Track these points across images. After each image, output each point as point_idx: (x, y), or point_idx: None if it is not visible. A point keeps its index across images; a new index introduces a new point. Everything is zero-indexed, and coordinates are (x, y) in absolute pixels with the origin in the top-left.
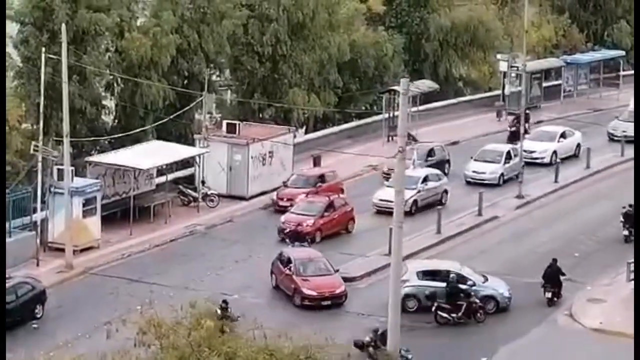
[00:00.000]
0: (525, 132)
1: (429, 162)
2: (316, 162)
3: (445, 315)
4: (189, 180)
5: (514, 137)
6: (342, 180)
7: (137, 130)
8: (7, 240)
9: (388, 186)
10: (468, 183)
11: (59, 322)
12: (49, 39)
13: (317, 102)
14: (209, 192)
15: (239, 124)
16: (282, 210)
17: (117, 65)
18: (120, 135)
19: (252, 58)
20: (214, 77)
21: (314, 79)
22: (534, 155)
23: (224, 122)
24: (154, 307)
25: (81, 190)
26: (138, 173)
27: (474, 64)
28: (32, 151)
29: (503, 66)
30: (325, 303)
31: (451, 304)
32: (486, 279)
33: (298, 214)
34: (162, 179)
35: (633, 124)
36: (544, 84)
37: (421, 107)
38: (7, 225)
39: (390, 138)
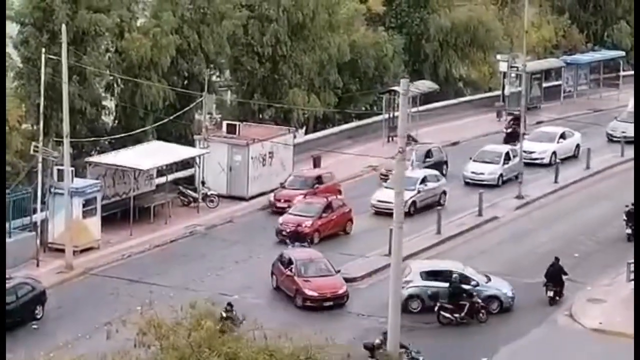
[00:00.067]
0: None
1: (426, 164)
2: (316, 162)
3: (448, 315)
4: (189, 180)
5: (510, 139)
6: (342, 180)
7: (137, 130)
8: (7, 240)
9: (386, 187)
10: (467, 184)
11: (59, 323)
12: (49, 39)
13: (317, 102)
14: (209, 193)
15: (239, 125)
16: (280, 212)
17: (117, 66)
18: (120, 135)
19: (252, 58)
20: (214, 78)
21: (314, 79)
22: (534, 155)
23: (224, 123)
24: (154, 308)
25: (81, 190)
26: (138, 173)
27: (474, 64)
28: (32, 152)
29: (503, 66)
30: (327, 304)
31: (454, 304)
32: (489, 279)
33: (296, 215)
34: (162, 179)
35: (632, 124)
36: (544, 85)
37: (421, 108)
38: (7, 225)
39: (390, 138)
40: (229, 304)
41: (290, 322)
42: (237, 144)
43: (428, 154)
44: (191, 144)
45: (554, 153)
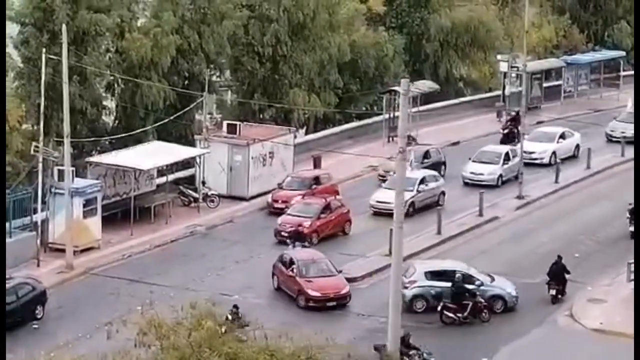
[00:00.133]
0: (519, 134)
1: (424, 164)
2: (316, 162)
3: (451, 315)
4: (190, 180)
5: (507, 139)
6: (342, 181)
7: (138, 130)
8: (8, 240)
9: (385, 188)
10: (466, 184)
11: (60, 323)
12: (49, 39)
13: (317, 102)
14: (209, 193)
15: (239, 125)
16: (277, 213)
17: (117, 66)
18: (120, 135)
19: (252, 58)
20: (214, 78)
21: (315, 79)
22: (534, 156)
23: (225, 123)
24: (154, 308)
25: (82, 190)
26: (138, 173)
27: (474, 64)
28: (32, 152)
29: (503, 66)
30: (330, 304)
31: (457, 303)
32: (493, 279)
33: (294, 216)
34: (163, 179)
35: (631, 124)
36: (545, 85)
37: (422, 108)
38: (7, 225)
39: (390, 139)
40: (235, 306)
41: (290, 322)
42: (238, 144)
43: (426, 154)
44: (191, 144)
45: (554, 153)
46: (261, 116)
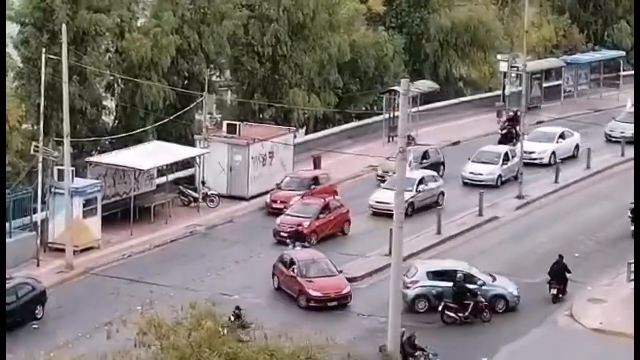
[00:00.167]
0: (517, 135)
1: (423, 165)
2: (317, 162)
3: (452, 315)
4: (190, 180)
5: (505, 140)
6: (342, 181)
7: (138, 131)
8: (8, 240)
9: (384, 188)
10: (466, 184)
11: (60, 323)
12: (49, 39)
13: (317, 102)
14: (209, 193)
15: (239, 125)
16: (276, 213)
17: (117, 66)
18: (120, 135)
19: (252, 59)
20: (214, 78)
21: (315, 79)
22: (533, 156)
23: (225, 123)
24: (154, 308)
25: (82, 190)
26: (139, 174)
27: (474, 64)
28: (32, 152)
29: (503, 67)
30: (331, 304)
31: (458, 303)
32: (495, 279)
33: (294, 216)
34: (163, 179)
35: (630, 125)
36: (545, 85)
37: (422, 108)
38: (7, 225)
39: (390, 139)
40: (238, 308)
41: (290, 322)
42: (238, 144)
43: (425, 155)
44: (192, 144)
45: (554, 153)
46: (261, 116)
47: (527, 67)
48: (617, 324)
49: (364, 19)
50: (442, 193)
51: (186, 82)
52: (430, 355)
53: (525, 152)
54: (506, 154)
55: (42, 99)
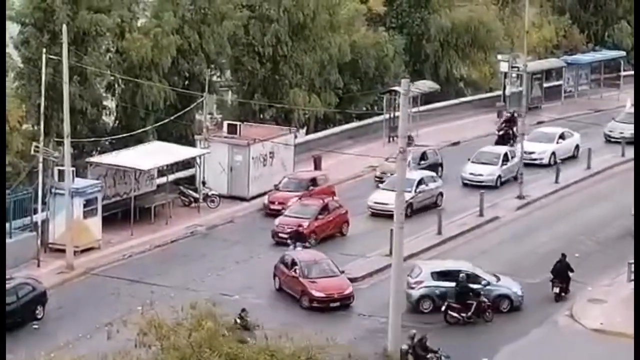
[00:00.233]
0: (514, 136)
1: (421, 166)
2: (317, 162)
3: (455, 314)
4: (190, 181)
5: (501, 141)
6: (343, 181)
7: (138, 131)
8: (8, 241)
9: (384, 189)
10: (465, 185)
11: (60, 323)
12: (49, 39)
13: (317, 102)
14: (209, 193)
15: (239, 125)
16: (273, 214)
17: (117, 66)
18: (121, 136)
19: (252, 59)
20: (214, 78)
21: (315, 79)
22: (533, 156)
23: (225, 123)
24: (154, 308)
25: (82, 191)
26: (139, 174)
27: (474, 64)
28: (32, 152)
29: (504, 67)
30: (334, 305)
31: (461, 303)
32: (498, 279)
33: (292, 217)
34: (163, 179)
35: (629, 125)
36: (545, 85)
37: (422, 108)
38: (7, 226)
39: (391, 139)
40: (243, 310)
41: (291, 323)
42: (238, 144)
43: (423, 156)
44: (192, 144)
45: (553, 153)
46: (261, 116)
47: (528, 67)
48: (617, 324)
49: (364, 19)
50: (441, 194)
51: (186, 82)
52: (442, 357)
53: (525, 152)
54: (505, 155)
55: (42, 99)
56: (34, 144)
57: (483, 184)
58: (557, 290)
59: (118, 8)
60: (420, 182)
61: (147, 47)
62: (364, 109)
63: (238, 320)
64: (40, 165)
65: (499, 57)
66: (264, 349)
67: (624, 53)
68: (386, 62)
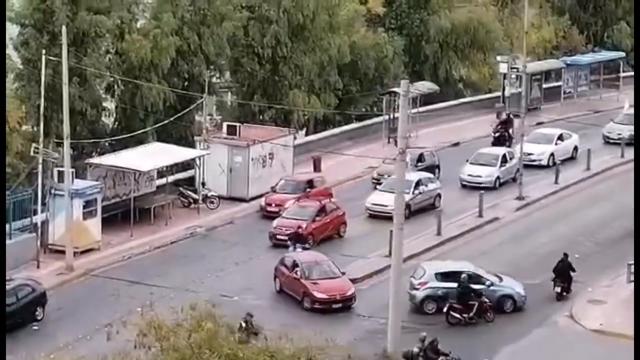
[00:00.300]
0: (510, 137)
1: (419, 167)
2: (316, 163)
3: (457, 315)
4: (190, 182)
5: (497, 142)
6: (342, 182)
7: (138, 132)
8: (8, 242)
9: (381, 190)
10: (463, 186)
11: (60, 324)
12: (49, 40)
13: (317, 103)
14: (209, 194)
15: (239, 126)
16: (270, 216)
17: (117, 67)
18: (120, 137)
19: (252, 60)
20: (214, 79)
21: (314, 80)
22: (532, 157)
23: (224, 124)
24: (154, 309)
25: (81, 192)
26: (138, 175)
27: (474, 65)
28: (32, 153)
29: (503, 68)
30: (336, 306)
31: (463, 304)
32: (501, 279)
33: (290, 219)
34: (163, 180)
35: (628, 126)
36: (544, 86)
37: (421, 109)
38: (7, 227)
39: (390, 140)
40: (249, 314)
41: (291, 324)
42: (238, 145)
43: (420, 157)
44: (191, 145)
45: (552, 155)
46: (261, 117)
47: (527, 68)
48: (617, 324)
49: (364, 20)
50: (439, 195)
51: (186, 83)
52: None
53: (523, 154)
54: (504, 156)
55: (42, 100)
56: (34, 145)
57: (482, 185)
58: (558, 289)
59: (117, 9)
60: (418, 183)
61: (146, 48)
62: (364, 110)
63: (243, 325)
64: (40, 166)
65: (498, 58)
66: (263, 350)
67: (623, 54)
68: (385, 63)
